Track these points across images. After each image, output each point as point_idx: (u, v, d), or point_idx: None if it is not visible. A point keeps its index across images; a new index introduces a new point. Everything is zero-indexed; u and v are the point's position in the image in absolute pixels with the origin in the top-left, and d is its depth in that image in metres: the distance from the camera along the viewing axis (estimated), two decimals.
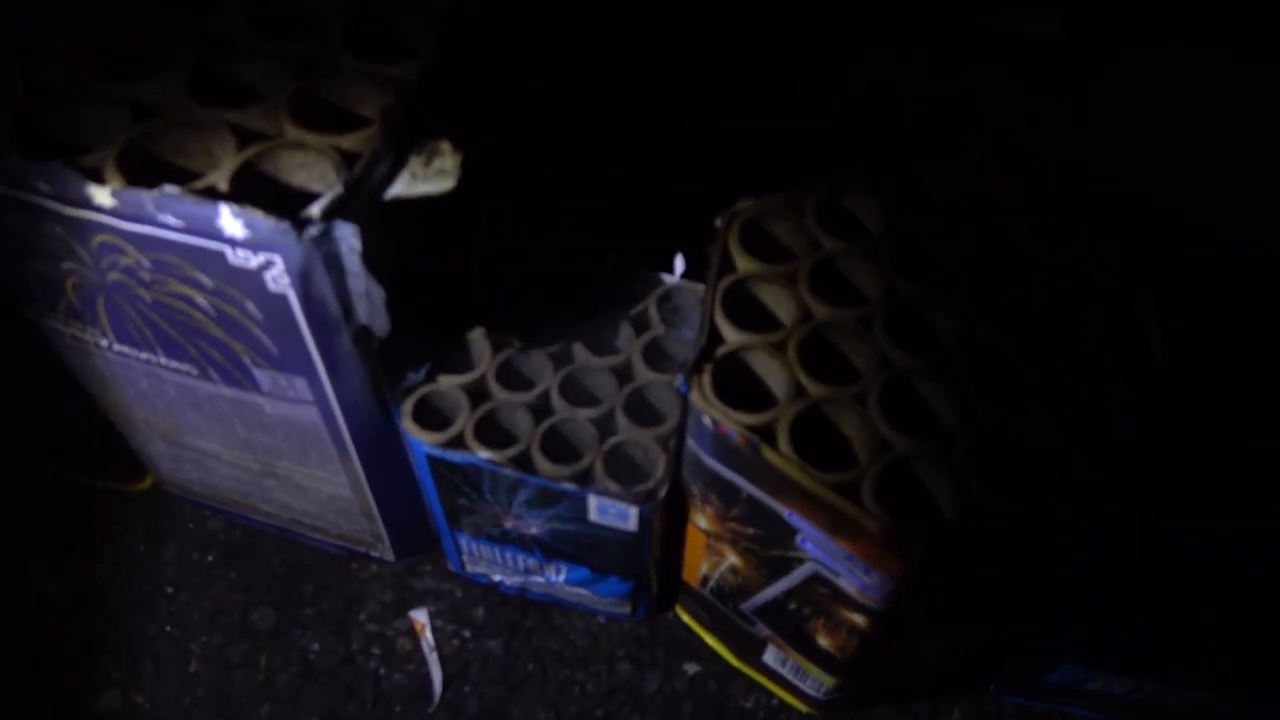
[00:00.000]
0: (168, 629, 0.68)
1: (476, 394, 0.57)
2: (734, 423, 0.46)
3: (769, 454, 0.46)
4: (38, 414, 0.68)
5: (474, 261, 0.60)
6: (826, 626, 0.54)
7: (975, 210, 0.54)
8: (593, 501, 0.54)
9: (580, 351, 0.59)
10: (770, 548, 0.51)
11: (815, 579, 0.50)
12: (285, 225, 0.42)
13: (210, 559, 0.71)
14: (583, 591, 0.65)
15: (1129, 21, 0.80)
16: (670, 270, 0.62)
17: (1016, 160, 0.60)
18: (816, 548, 0.48)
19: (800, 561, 0.50)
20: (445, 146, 0.45)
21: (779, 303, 0.52)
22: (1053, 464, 0.45)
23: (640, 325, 0.60)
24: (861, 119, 0.58)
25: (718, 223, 0.54)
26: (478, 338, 0.58)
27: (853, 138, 0.68)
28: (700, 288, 0.61)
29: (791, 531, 0.49)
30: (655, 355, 0.59)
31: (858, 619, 0.50)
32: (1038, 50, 0.95)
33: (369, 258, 0.44)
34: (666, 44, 0.80)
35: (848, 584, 0.48)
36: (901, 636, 0.53)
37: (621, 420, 0.56)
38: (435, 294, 0.55)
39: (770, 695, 0.66)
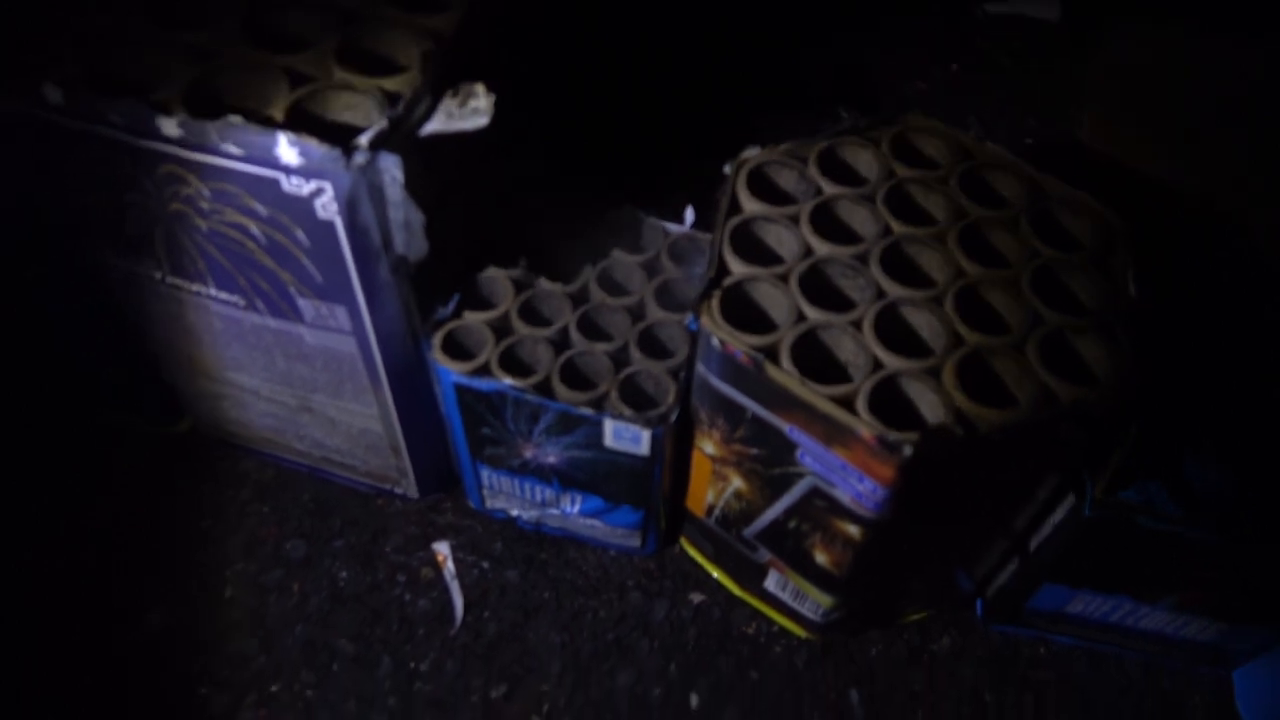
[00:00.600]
0: (205, 558, 0.72)
1: (500, 329, 0.61)
2: (740, 343, 0.51)
3: (772, 371, 0.50)
4: (82, 361, 0.73)
5: (500, 205, 0.64)
6: (824, 542, 0.58)
7: (963, 164, 0.59)
8: (608, 426, 0.58)
9: (596, 292, 0.63)
10: (772, 466, 0.56)
11: (814, 493, 0.55)
12: (336, 153, 0.46)
13: (244, 495, 0.76)
14: (596, 523, 0.69)
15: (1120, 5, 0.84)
16: (680, 221, 0.67)
17: (1007, 123, 0.64)
18: (815, 461, 0.53)
19: (800, 477, 0.54)
20: (479, 88, 0.50)
21: (781, 242, 0.57)
22: (1029, 381, 0.50)
23: (652, 270, 0.65)
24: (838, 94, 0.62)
25: (727, 169, 0.58)
26: (500, 277, 0.63)
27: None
28: (708, 237, 0.65)
29: (792, 447, 0.53)
30: (666, 297, 0.63)
31: (852, 530, 0.55)
32: (1031, 31, 1.00)
33: (410, 186, 0.49)
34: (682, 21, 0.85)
35: (843, 494, 0.53)
36: (893, 550, 0.57)
37: (635, 353, 0.60)
38: (464, 234, 0.60)
39: (770, 622, 0.70)
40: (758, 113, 0.61)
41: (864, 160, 0.59)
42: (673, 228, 0.67)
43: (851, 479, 0.51)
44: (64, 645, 0.67)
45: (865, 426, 0.48)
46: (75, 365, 0.73)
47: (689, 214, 0.66)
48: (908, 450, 0.47)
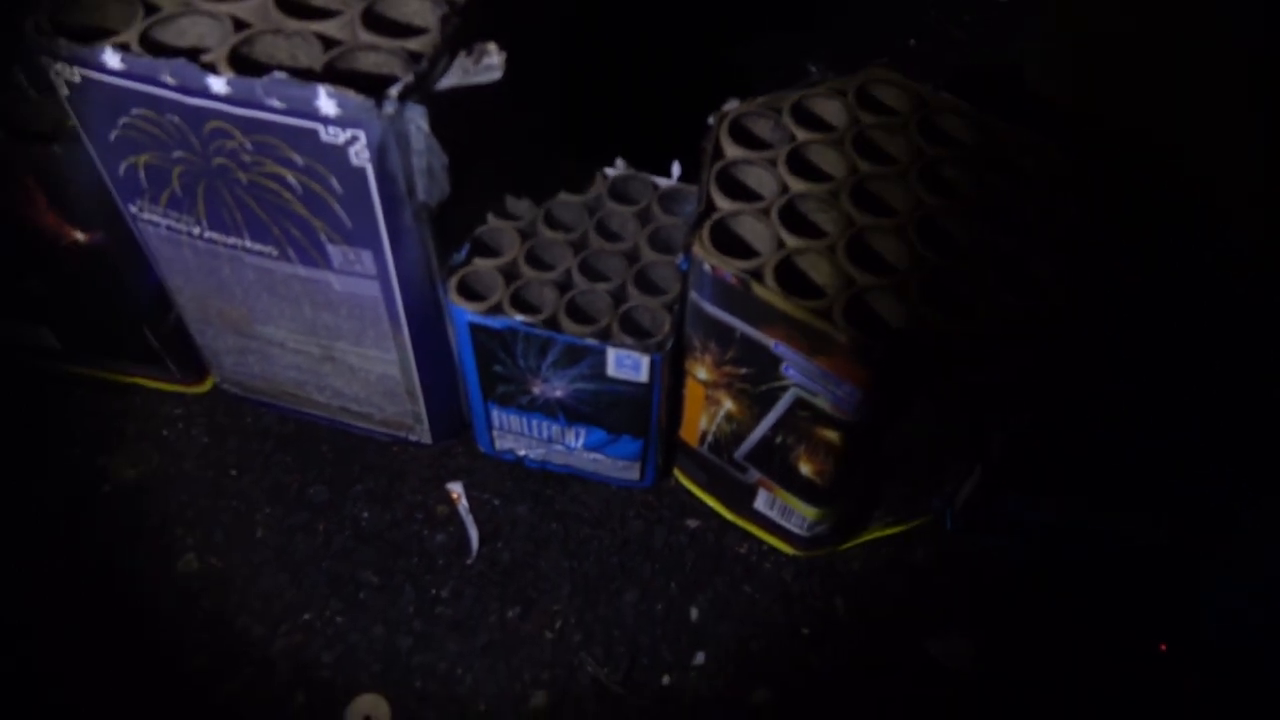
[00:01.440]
0: (234, 504, 0.78)
1: (508, 274, 0.67)
2: (730, 266, 0.57)
3: (758, 289, 0.57)
4: (113, 321, 0.78)
5: (508, 159, 0.70)
6: (808, 452, 0.65)
7: (921, 110, 0.66)
8: (611, 354, 0.65)
9: (595, 239, 0.70)
10: (759, 383, 0.62)
11: (798, 404, 0.61)
12: (370, 102, 0.52)
13: (268, 447, 0.81)
14: (599, 456, 0.76)
15: None
16: (669, 175, 0.73)
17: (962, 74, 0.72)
18: (798, 372, 0.59)
19: (785, 389, 0.61)
20: (492, 46, 0.56)
21: (762, 182, 0.63)
22: (985, 296, 0.57)
23: (645, 219, 0.71)
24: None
25: (710, 120, 0.65)
26: (507, 228, 0.69)
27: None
28: (694, 189, 0.72)
29: (777, 361, 0.60)
30: (658, 242, 0.70)
31: (833, 436, 0.62)
32: (981, 6, 1.08)
33: (434, 133, 0.55)
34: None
35: (824, 402, 0.60)
36: (870, 455, 0.64)
37: (632, 290, 0.67)
38: (477, 184, 0.66)
39: (761, 542, 0.77)
40: (732, 83, 0.68)
41: (832, 110, 0.66)
42: (662, 181, 0.73)
43: (831, 385, 0.58)
44: (102, 592, 0.72)
45: (842, 333, 0.55)
46: (105, 326, 0.78)
47: (676, 168, 0.73)
48: (879, 351, 0.54)
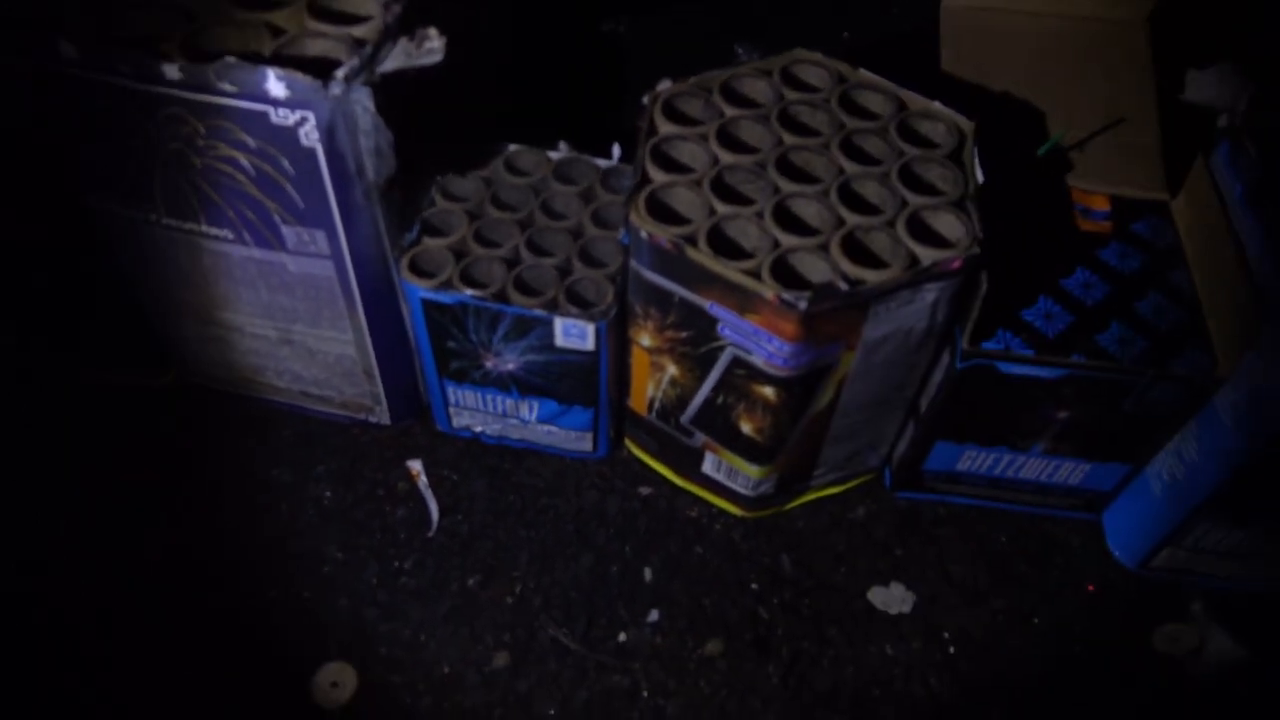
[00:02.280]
0: (197, 489, 0.80)
1: (458, 252, 0.71)
2: (665, 232, 0.61)
3: (692, 252, 0.61)
4: (70, 318, 0.80)
5: (454, 142, 0.74)
6: (747, 411, 0.68)
7: (840, 86, 0.70)
8: (558, 324, 0.68)
9: (540, 217, 0.73)
10: (699, 345, 0.66)
11: (734, 363, 0.65)
12: (318, 84, 0.56)
13: (230, 434, 0.84)
14: (552, 428, 0.79)
15: None
16: (609, 157, 0.77)
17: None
18: (733, 331, 0.63)
19: (722, 349, 0.65)
20: (433, 31, 0.60)
21: (694, 157, 0.67)
22: (900, 250, 0.61)
23: (588, 198, 0.75)
24: None
25: (644, 100, 0.69)
26: (455, 209, 0.73)
27: None
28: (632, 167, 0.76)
29: (713, 322, 0.64)
30: (600, 219, 0.74)
31: (769, 393, 0.65)
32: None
33: (380, 112, 0.58)
34: None
35: (758, 359, 0.63)
36: (804, 411, 0.68)
37: (576, 264, 0.70)
38: (422, 168, 0.69)
39: (710, 505, 0.81)
40: (667, 66, 0.72)
41: (758, 89, 0.71)
42: (602, 163, 0.77)
43: (763, 341, 0.62)
44: (65, 580, 0.74)
45: (769, 289, 0.59)
46: (62, 323, 0.80)
47: (616, 150, 0.77)
48: (803, 304, 0.58)
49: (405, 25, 0.61)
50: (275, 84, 0.56)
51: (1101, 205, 0.75)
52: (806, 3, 1.15)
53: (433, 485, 0.81)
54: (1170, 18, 0.84)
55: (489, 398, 0.77)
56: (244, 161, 0.61)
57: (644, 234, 0.62)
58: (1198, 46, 0.84)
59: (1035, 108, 0.78)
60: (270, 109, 0.57)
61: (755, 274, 0.60)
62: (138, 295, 0.76)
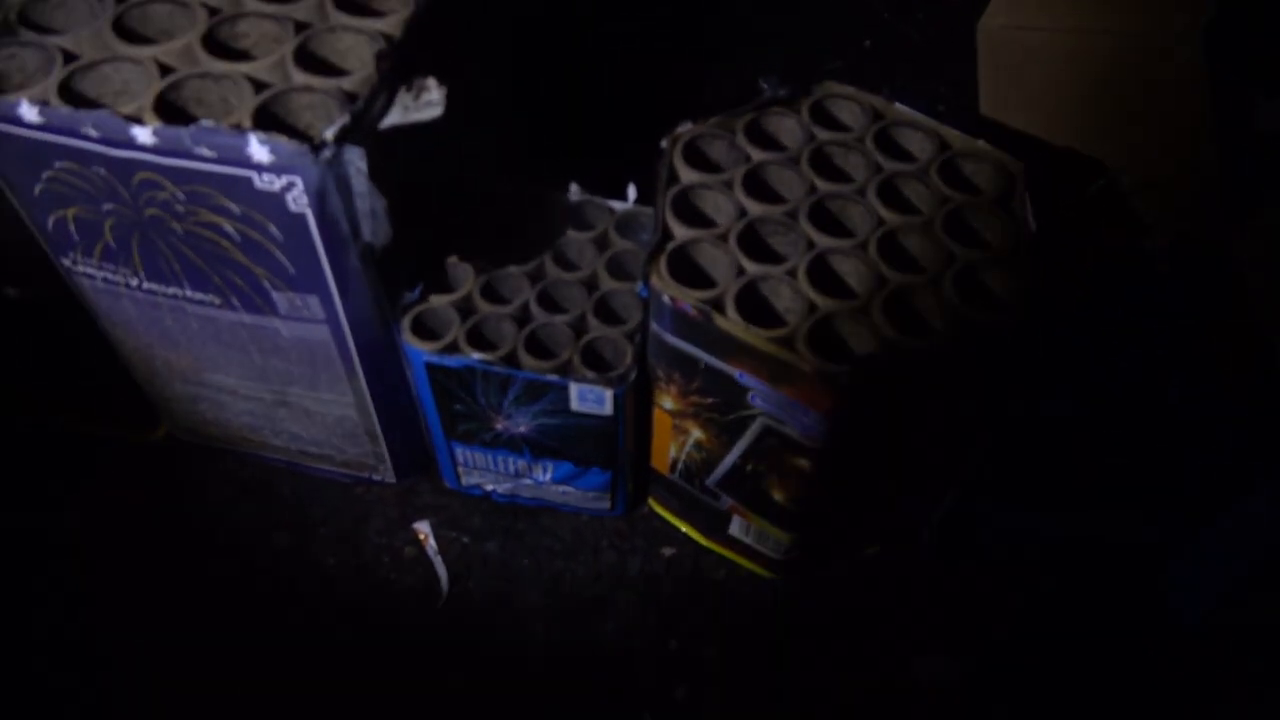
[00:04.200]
0: (190, 554, 0.75)
1: (464, 309, 0.65)
2: (689, 297, 0.56)
3: (720, 320, 0.55)
4: (55, 373, 0.75)
5: (457, 193, 0.68)
6: (779, 480, 0.63)
7: (876, 124, 0.65)
8: (573, 389, 0.63)
9: (551, 268, 0.68)
10: (727, 412, 0.61)
11: (766, 433, 0.60)
12: (305, 148, 0.50)
13: (226, 494, 0.79)
14: (568, 489, 0.74)
15: None
16: (624, 199, 0.72)
17: (918, 91, 0.71)
18: (764, 401, 0.58)
19: (753, 418, 0.60)
20: (431, 82, 0.54)
21: (718, 207, 0.62)
22: (947, 312, 0.56)
23: (602, 245, 0.70)
24: None
25: (663, 143, 0.63)
26: (460, 262, 0.67)
27: None
28: (650, 211, 0.70)
29: (743, 391, 0.58)
30: (616, 268, 0.68)
31: (803, 463, 0.60)
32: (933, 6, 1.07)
33: (374, 175, 0.53)
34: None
35: (792, 430, 0.58)
36: (841, 480, 0.63)
37: (592, 321, 0.65)
38: (425, 221, 0.64)
39: (737, 566, 0.76)
40: (686, 97, 0.67)
41: (786, 128, 0.65)
42: (618, 205, 0.71)
43: (798, 413, 0.57)
44: (45, 652, 0.69)
45: (805, 362, 0.53)
46: (47, 377, 0.75)
47: (631, 191, 0.71)
48: (844, 378, 0.53)
49: (400, 74, 0.56)
50: (258, 149, 0.50)
51: (1160, 244, 0.69)
52: (826, 11, 1.09)
53: (441, 548, 0.76)
54: (1228, 30, 0.78)
55: (500, 459, 0.72)
56: (228, 227, 0.55)
57: (666, 299, 0.57)
58: (1260, 61, 0.77)
59: (1083, 139, 0.72)
60: (254, 174, 0.52)
61: (789, 343, 0.55)
62: (121, 355, 0.71)
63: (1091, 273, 0.63)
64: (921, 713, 0.69)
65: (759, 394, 0.58)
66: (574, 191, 0.71)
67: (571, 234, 0.69)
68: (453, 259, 0.67)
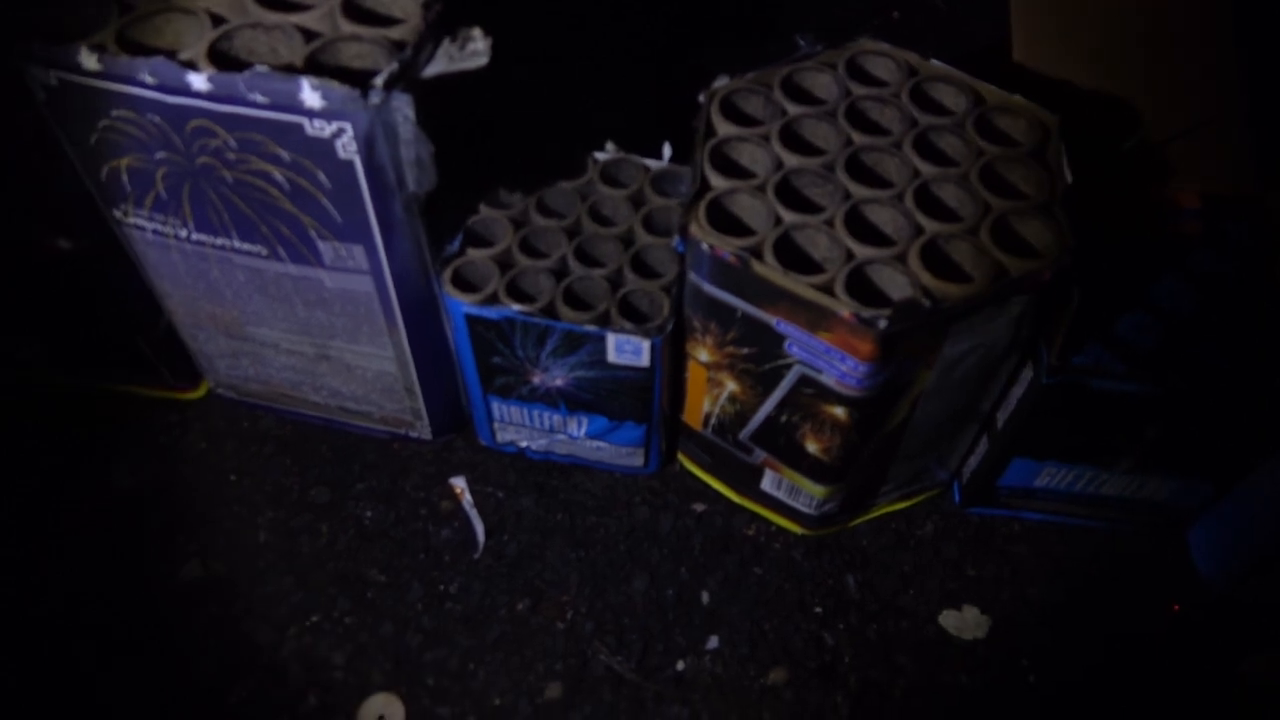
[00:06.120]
0: (235, 509, 0.77)
1: (503, 263, 0.67)
2: (728, 244, 0.57)
3: (757, 267, 0.56)
4: (102, 329, 0.77)
5: (496, 148, 0.69)
6: (814, 430, 0.64)
7: (911, 79, 0.65)
8: (611, 340, 0.64)
9: (588, 224, 0.69)
10: (763, 362, 0.62)
11: (802, 381, 0.61)
12: (356, 93, 0.51)
13: (266, 450, 0.80)
14: (601, 444, 0.75)
15: None
16: (659, 157, 0.73)
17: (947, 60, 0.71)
18: (801, 349, 0.59)
19: (789, 367, 0.61)
20: (477, 32, 0.55)
21: (755, 159, 0.63)
22: (984, 260, 0.56)
23: (637, 201, 0.70)
24: None
25: (701, 98, 0.64)
26: (499, 217, 0.68)
27: None
28: (685, 170, 0.71)
29: (780, 339, 0.59)
30: (651, 224, 0.69)
31: (839, 412, 0.61)
32: None
33: (421, 122, 0.54)
34: None
35: (829, 377, 0.59)
36: (877, 431, 0.64)
37: (629, 275, 0.66)
38: (467, 172, 0.65)
39: (769, 523, 0.77)
40: (719, 60, 0.67)
41: (822, 83, 0.66)
42: (652, 163, 0.72)
43: (835, 360, 0.57)
44: (106, 602, 0.71)
45: (845, 306, 0.54)
46: (95, 334, 0.77)
47: (666, 150, 0.72)
48: (882, 323, 0.53)
49: (446, 24, 0.57)
50: (310, 94, 0.52)
51: (1191, 203, 0.70)
52: None
53: (477, 503, 0.77)
54: None
55: (536, 413, 0.73)
56: (278, 175, 0.57)
57: (705, 246, 0.58)
58: None
59: (1115, 95, 0.72)
60: (305, 120, 0.53)
61: (828, 289, 0.55)
62: (167, 309, 0.73)
63: (1125, 226, 0.63)
64: (951, 666, 0.70)
65: (796, 342, 0.59)
66: (610, 150, 0.72)
67: (607, 191, 0.70)
68: (491, 214, 0.68)
